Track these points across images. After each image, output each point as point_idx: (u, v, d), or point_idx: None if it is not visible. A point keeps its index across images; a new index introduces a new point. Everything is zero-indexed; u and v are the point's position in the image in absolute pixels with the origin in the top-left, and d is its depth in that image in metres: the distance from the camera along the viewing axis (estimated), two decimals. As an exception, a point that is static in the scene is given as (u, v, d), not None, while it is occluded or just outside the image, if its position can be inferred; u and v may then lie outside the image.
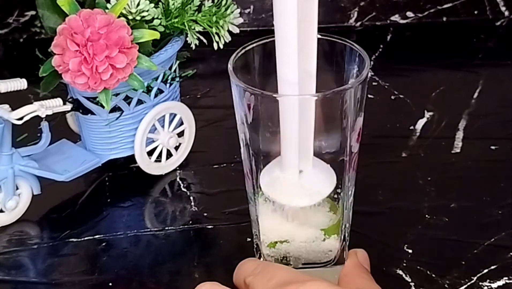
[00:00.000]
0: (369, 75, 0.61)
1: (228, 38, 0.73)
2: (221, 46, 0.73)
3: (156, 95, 0.75)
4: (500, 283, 0.64)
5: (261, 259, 0.62)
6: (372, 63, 0.92)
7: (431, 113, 0.84)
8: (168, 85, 0.76)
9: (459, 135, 0.81)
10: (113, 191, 0.76)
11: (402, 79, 0.91)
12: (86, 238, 0.70)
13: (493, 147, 0.79)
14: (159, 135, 0.76)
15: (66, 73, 0.67)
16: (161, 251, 0.69)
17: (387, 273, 0.65)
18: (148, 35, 0.69)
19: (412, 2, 0.99)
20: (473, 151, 0.79)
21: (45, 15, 0.70)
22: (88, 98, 0.73)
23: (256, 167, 0.59)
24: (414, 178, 0.75)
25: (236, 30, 0.73)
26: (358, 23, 1.00)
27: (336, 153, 0.58)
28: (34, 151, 0.72)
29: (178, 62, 0.76)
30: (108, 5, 0.69)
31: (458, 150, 0.79)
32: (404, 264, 0.66)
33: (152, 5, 0.70)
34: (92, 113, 0.74)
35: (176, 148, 0.78)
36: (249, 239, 0.67)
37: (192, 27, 0.73)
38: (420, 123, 0.83)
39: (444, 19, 1.00)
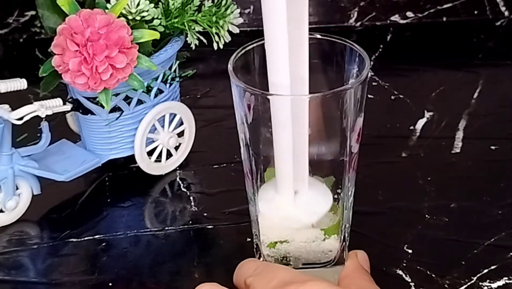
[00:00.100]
0: (369, 75, 0.61)
1: (228, 38, 0.73)
2: (221, 46, 0.73)
3: (156, 95, 0.75)
4: (500, 283, 0.64)
5: (261, 259, 0.62)
6: (372, 63, 0.92)
7: (431, 113, 0.84)
8: (168, 85, 0.76)
9: (459, 135, 0.81)
10: (113, 191, 0.75)
11: (402, 79, 0.91)
12: (86, 238, 0.70)
13: (493, 147, 0.79)
14: (159, 135, 0.76)
15: (66, 73, 0.67)
16: (161, 251, 0.69)
17: (387, 273, 0.65)
18: (148, 35, 0.69)
19: (412, 2, 0.99)
20: (473, 151, 0.79)
21: (45, 15, 0.70)
22: (88, 98, 0.73)
23: (256, 167, 0.59)
24: (414, 178, 0.75)
25: (236, 30, 0.73)
26: (358, 23, 1.00)
27: (336, 154, 0.58)
28: (34, 151, 0.72)
29: (178, 62, 0.76)
30: (108, 5, 0.69)
31: (458, 150, 0.79)
32: (404, 264, 0.66)
33: (152, 5, 0.70)
34: (92, 113, 0.74)
35: (176, 148, 0.78)
36: (249, 239, 0.67)
37: (192, 27, 0.73)
38: (420, 123, 0.83)
39: (444, 19, 1.00)
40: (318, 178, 0.60)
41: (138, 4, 0.69)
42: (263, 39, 0.57)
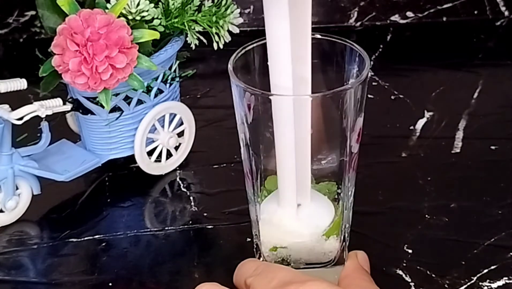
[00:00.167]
0: (369, 75, 0.61)
1: (228, 38, 0.73)
2: (221, 46, 0.73)
3: (156, 95, 0.75)
4: (500, 283, 0.64)
5: (261, 259, 0.62)
6: (372, 63, 0.92)
7: (431, 113, 0.84)
8: (168, 85, 0.76)
9: (459, 135, 0.81)
10: (113, 191, 0.75)
11: (402, 79, 0.91)
12: (86, 238, 0.70)
13: (493, 147, 0.79)
14: (159, 135, 0.76)
15: (66, 73, 0.67)
16: (161, 251, 0.69)
17: (387, 273, 0.65)
18: (148, 35, 0.69)
19: (412, 2, 0.99)
20: (473, 151, 0.79)
21: (45, 15, 0.70)
22: (88, 98, 0.73)
23: (256, 167, 0.59)
24: (414, 178, 0.75)
25: (236, 30, 0.73)
26: (358, 23, 1.00)
27: (336, 154, 0.58)
28: (34, 151, 0.72)
29: (178, 62, 0.76)
30: (108, 5, 0.69)
31: (458, 150, 0.79)
32: (404, 264, 0.66)
33: (152, 5, 0.70)
34: (92, 113, 0.74)
35: (176, 148, 0.78)
36: (249, 239, 0.67)
37: (192, 27, 0.73)
38: (420, 123, 0.83)
39: (444, 19, 1.00)
40: (320, 185, 0.60)
41: (138, 4, 0.69)
42: (263, 39, 0.57)
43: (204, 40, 0.73)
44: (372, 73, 0.90)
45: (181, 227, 0.71)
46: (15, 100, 0.70)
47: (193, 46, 0.73)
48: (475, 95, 0.87)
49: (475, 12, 1.00)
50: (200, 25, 0.73)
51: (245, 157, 0.60)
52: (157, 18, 0.71)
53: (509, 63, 0.93)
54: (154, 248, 0.69)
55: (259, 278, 0.57)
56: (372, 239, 0.68)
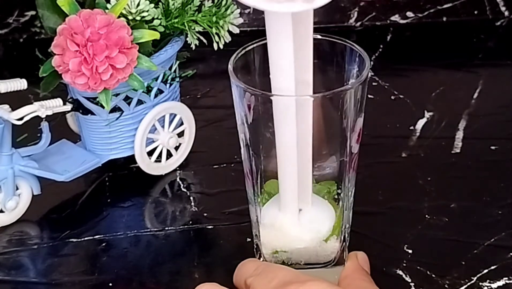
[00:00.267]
0: (369, 75, 0.61)
1: (228, 38, 0.73)
2: (221, 46, 0.73)
3: (156, 95, 0.75)
4: (500, 283, 0.64)
5: (261, 259, 0.62)
6: (372, 63, 0.92)
7: (431, 113, 0.84)
8: (168, 85, 0.76)
9: (459, 135, 0.81)
10: (113, 191, 0.75)
11: (402, 79, 0.91)
12: (86, 238, 0.70)
13: (493, 147, 0.79)
14: (159, 135, 0.76)
15: (66, 74, 0.67)
16: (161, 251, 0.69)
17: (387, 273, 0.65)
18: (148, 35, 0.69)
19: (412, 2, 0.99)
20: (473, 151, 0.79)
21: (45, 15, 0.70)
22: (88, 98, 0.73)
23: (256, 168, 0.59)
24: (414, 178, 0.75)
25: (236, 30, 0.73)
26: (358, 23, 1.00)
27: (336, 154, 0.58)
28: (34, 151, 0.72)
29: (178, 62, 0.76)
30: (108, 5, 0.69)
31: (458, 150, 0.79)
32: (404, 264, 0.66)
33: (152, 5, 0.70)
34: (92, 113, 0.74)
35: (176, 148, 0.78)
36: (249, 239, 0.67)
37: (192, 27, 0.73)
38: (420, 123, 0.83)
39: (444, 19, 1.00)
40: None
41: (138, 4, 0.69)
42: (264, 39, 0.57)
43: (204, 40, 0.73)
44: (372, 73, 0.90)
45: (181, 227, 0.71)
46: (15, 100, 0.70)
47: (193, 46, 0.73)
48: (475, 95, 0.87)
49: (475, 12, 1.00)
50: (200, 25, 0.73)
51: (245, 158, 0.60)
52: (157, 18, 0.71)
53: (509, 63, 0.93)
54: (154, 248, 0.69)
55: (259, 278, 0.57)
56: (372, 239, 0.68)
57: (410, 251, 0.67)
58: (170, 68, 0.75)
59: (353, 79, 0.59)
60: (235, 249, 0.68)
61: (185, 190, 0.76)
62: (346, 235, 0.62)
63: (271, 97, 0.55)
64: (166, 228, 0.71)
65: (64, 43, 0.66)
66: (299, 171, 0.57)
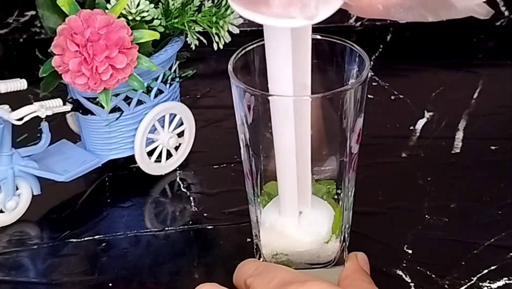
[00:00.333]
0: (369, 75, 0.60)
1: (228, 39, 0.73)
2: (221, 47, 0.73)
3: (156, 96, 0.75)
4: (500, 283, 0.64)
5: (261, 259, 0.62)
6: (372, 63, 0.92)
7: (431, 113, 0.84)
8: (168, 85, 0.76)
9: (459, 135, 0.81)
10: (113, 191, 0.76)
11: (402, 79, 0.91)
12: (86, 239, 0.70)
13: (493, 147, 0.79)
14: (159, 135, 0.76)
15: (66, 74, 0.67)
16: (161, 251, 0.69)
17: (387, 274, 0.65)
18: (148, 35, 0.69)
19: (412, 2, 0.99)
20: (473, 151, 0.79)
21: (45, 15, 0.70)
22: (88, 99, 0.73)
23: (256, 168, 0.59)
24: (414, 178, 0.75)
25: (236, 31, 0.73)
26: (358, 23, 1.00)
27: (336, 154, 0.58)
28: (34, 151, 0.72)
29: (178, 62, 0.76)
30: (108, 6, 0.69)
31: (458, 150, 0.79)
32: (404, 264, 0.66)
33: (152, 5, 0.70)
34: (92, 114, 0.74)
35: (176, 148, 0.78)
36: (249, 240, 0.67)
37: (192, 28, 0.73)
38: (420, 123, 0.83)
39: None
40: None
41: (138, 5, 0.69)
42: (263, 40, 0.57)
43: (204, 41, 0.73)
44: (372, 73, 0.90)
45: (181, 227, 0.71)
46: (15, 100, 0.71)
47: (193, 46, 0.73)
48: (475, 95, 0.87)
49: (475, 12, 1.00)
50: (200, 26, 0.73)
51: (245, 158, 0.60)
52: (157, 18, 0.71)
53: (509, 63, 0.93)
54: (154, 248, 0.69)
55: (259, 278, 0.57)
56: (372, 240, 0.68)
57: (410, 251, 0.67)
58: (170, 68, 0.75)
59: (353, 79, 0.59)
60: (235, 249, 0.68)
61: (185, 190, 0.76)
62: (346, 235, 0.62)
63: (269, 98, 0.55)
64: (166, 228, 0.71)
65: (64, 43, 0.66)
66: (298, 173, 0.57)
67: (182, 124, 0.78)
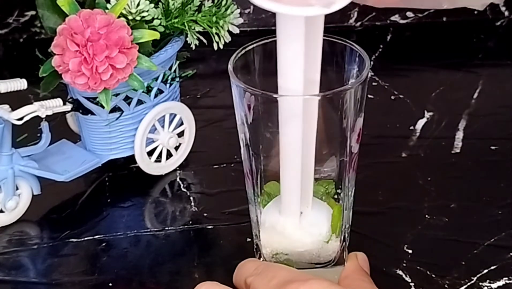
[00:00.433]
0: (369, 75, 0.61)
1: (228, 38, 0.73)
2: (221, 46, 0.73)
3: (156, 95, 0.75)
4: (500, 283, 0.64)
5: (261, 259, 0.62)
6: (372, 63, 0.92)
7: (431, 113, 0.84)
8: (168, 85, 0.76)
9: (459, 135, 0.81)
10: (113, 191, 0.76)
11: (402, 79, 0.91)
12: (86, 238, 0.70)
13: (493, 147, 0.79)
14: (159, 135, 0.76)
15: (66, 74, 0.67)
16: (161, 251, 0.69)
17: (387, 273, 0.65)
18: (148, 35, 0.69)
19: (412, 2, 0.99)
20: (473, 151, 0.79)
21: (45, 15, 0.70)
22: (88, 98, 0.73)
23: (256, 168, 0.59)
24: (414, 178, 0.75)
25: (236, 30, 0.73)
26: (358, 23, 1.00)
27: (336, 154, 0.58)
28: (34, 151, 0.72)
29: (178, 62, 0.76)
30: (108, 5, 0.69)
31: (458, 150, 0.79)
32: (404, 264, 0.66)
33: (152, 5, 0.70)
34: (92, 113, 0.74)
35: (176, 148, 0.78)
36: (249, 239, 0.67)
37: (192, 27, 0.73)
38: (420, 123, 0.83)
39: (444, 19, 1.00)
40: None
41: (138, 4, 0.69)
42: (264, 39, 0.57)
43: (204, 40, 0.73)
44: (372, 73, 0.90)
45: (181, 227, 0.71)
46: (15, 100, 0.71)
47: (193, 46, 0.73)
48: (475, 95, 0.87)
49: (475, 12, 1.00)
50: (200, 25, 0.73)
51: (245, 158, 0.60)
52: (157, 18, 0.71)
53: (509, 63, 0.93)
54: (154, 248, 0.69)
55: (259, 278, 0.57)
56: (372, 239, 0.68)
57: (410, 251, 0.67)
58: (170, 68, 0.75)
59: (353, 79, 0.59)
60: (235, 249, 0.68)
61: (185, 190, 0.76)
62: (346, 235, 0.62)
63: (278, 98, 0.55)
64: (166, 228, 0.71)
65: (64, 43, 0.66)
66: (301, 173, 0.57)
67: (182, 124, 0.78)
